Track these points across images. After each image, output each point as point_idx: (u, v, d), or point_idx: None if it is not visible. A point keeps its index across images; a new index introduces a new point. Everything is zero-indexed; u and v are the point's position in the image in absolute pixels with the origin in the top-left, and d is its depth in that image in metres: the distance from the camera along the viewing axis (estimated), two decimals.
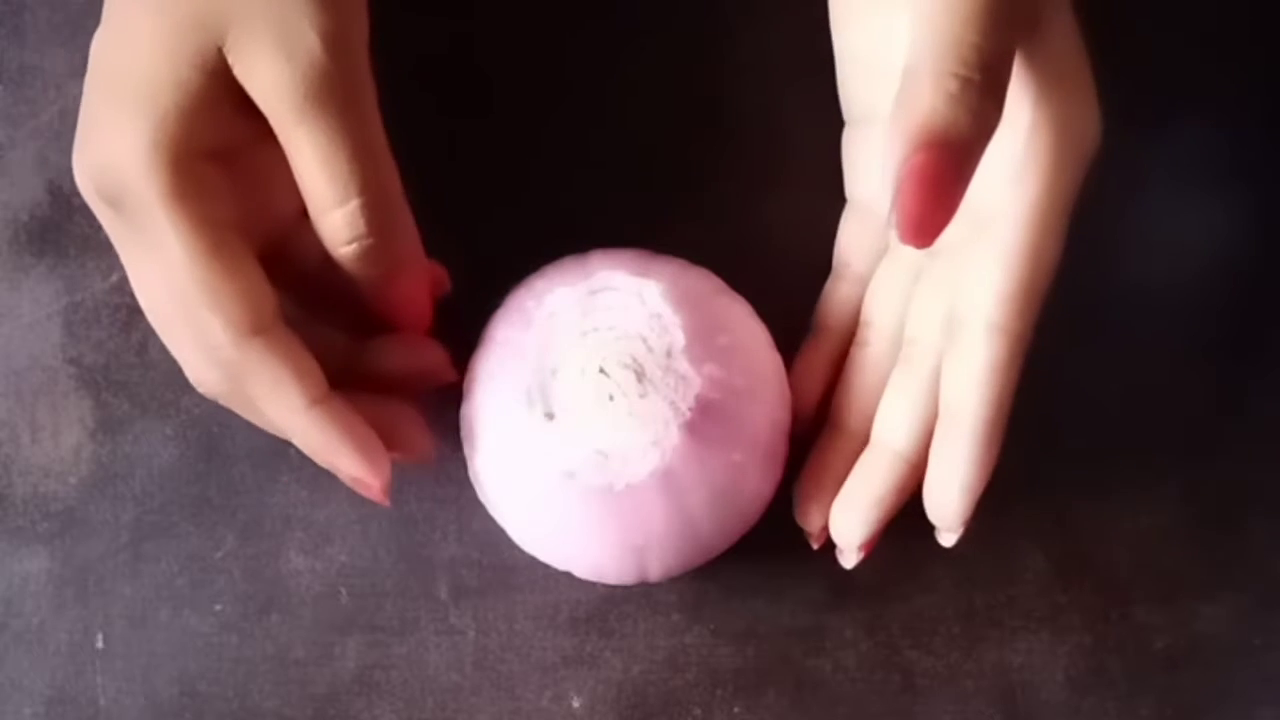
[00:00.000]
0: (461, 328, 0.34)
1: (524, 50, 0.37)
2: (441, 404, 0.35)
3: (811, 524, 0.34)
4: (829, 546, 0.35)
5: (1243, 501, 0.36)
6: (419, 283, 0.33)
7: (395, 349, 0.33)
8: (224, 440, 0.36)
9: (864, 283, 0.35)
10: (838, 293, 0.35)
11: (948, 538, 0.32)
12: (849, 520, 0.33)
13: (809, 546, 0.35)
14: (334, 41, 0.29)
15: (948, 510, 0.31)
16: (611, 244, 0.34)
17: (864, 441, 0.34)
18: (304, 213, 0.33)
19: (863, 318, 0.35)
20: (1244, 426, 0.36)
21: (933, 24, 0.27)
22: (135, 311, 0.36)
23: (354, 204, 0.30)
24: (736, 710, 0.36)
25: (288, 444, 0.36)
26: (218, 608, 0.36)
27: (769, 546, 0.35)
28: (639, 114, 0.37)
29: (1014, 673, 0.36)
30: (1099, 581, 0.36)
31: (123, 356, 0.36)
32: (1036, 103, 0.30)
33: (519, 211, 0.36)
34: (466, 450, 0.33)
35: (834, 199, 0.36)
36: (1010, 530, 0.36)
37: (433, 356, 0.34)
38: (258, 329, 0.30)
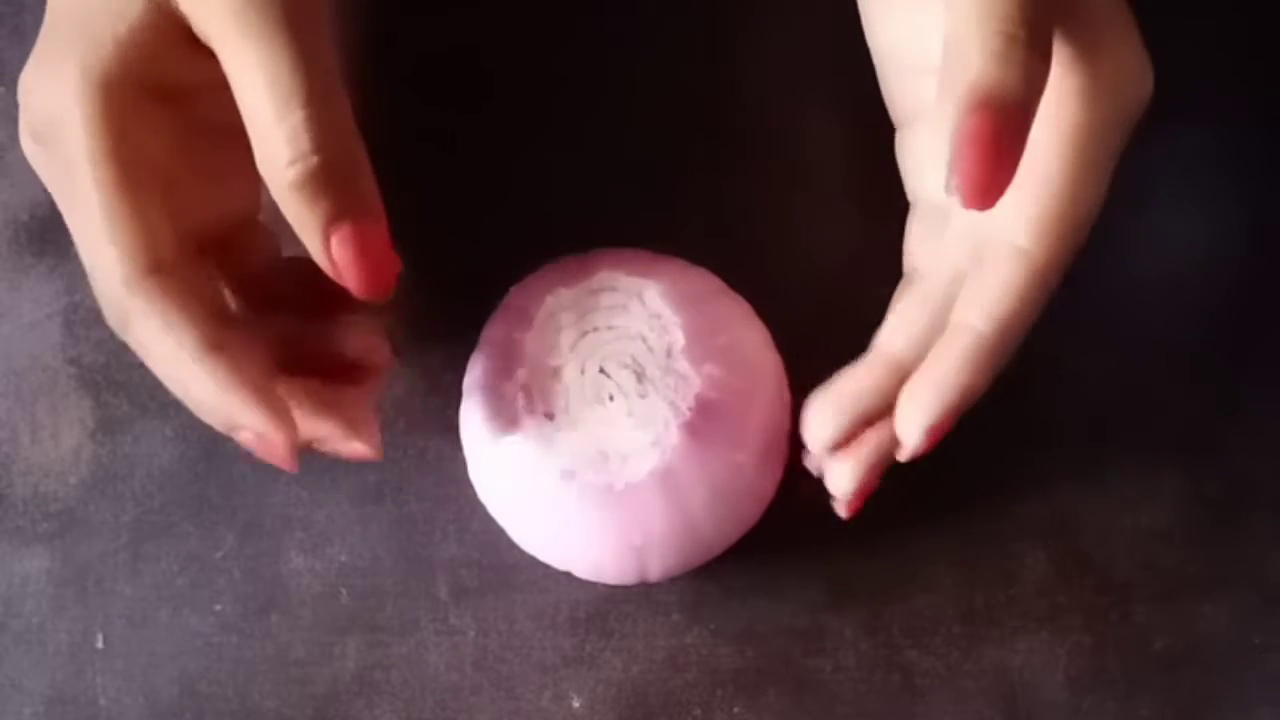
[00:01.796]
0: (461, 328, 0.34)
1: (524, 49, 0.37)
2: (442, 404, 0.35)
3: (819, 437, 0.32)
4: (828, 547, 0.35)
5: (1243, 501, 0.36)
6: (376, 234, 0.28)
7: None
8: (224, 440, 0.36)
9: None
10: (910, 304, 0.33)
11: (904, 449, 0.31)
12: (823, 423, 0.31)
13: (809, 546, 0.35)
14: None
15: (917, 413, 0.30)
16: (611, 244, 0.34)
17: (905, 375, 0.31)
18: (251, 216, 0.32)
19: (906, 265, 0.33)
20: (1244, 426, 0.36)
21: None
22: None
23: (297, 116, 0.27)
24: (736, 710, 0.36)
25: None
26: (218, 608, 0.36)
27: (769, 546, 0.35)
28: (639, 113, 0.37)
29: (1014, 673, 0.36)
30: (1099, 581, 0.36)
31: (123, 356, 0.36)
32: (1075, 47, 0.29)
33: (518, 211, 0.36)
34: (466, 450, 0.34)
35: (836, 199, 0.36)
36: (1010, 530, 0.36)
37: (368, 340, 0.31)
38: (154, 268, 0.28)
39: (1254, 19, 0.37)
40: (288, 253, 0.33)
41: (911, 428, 0.30)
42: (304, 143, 0.27)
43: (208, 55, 0.28)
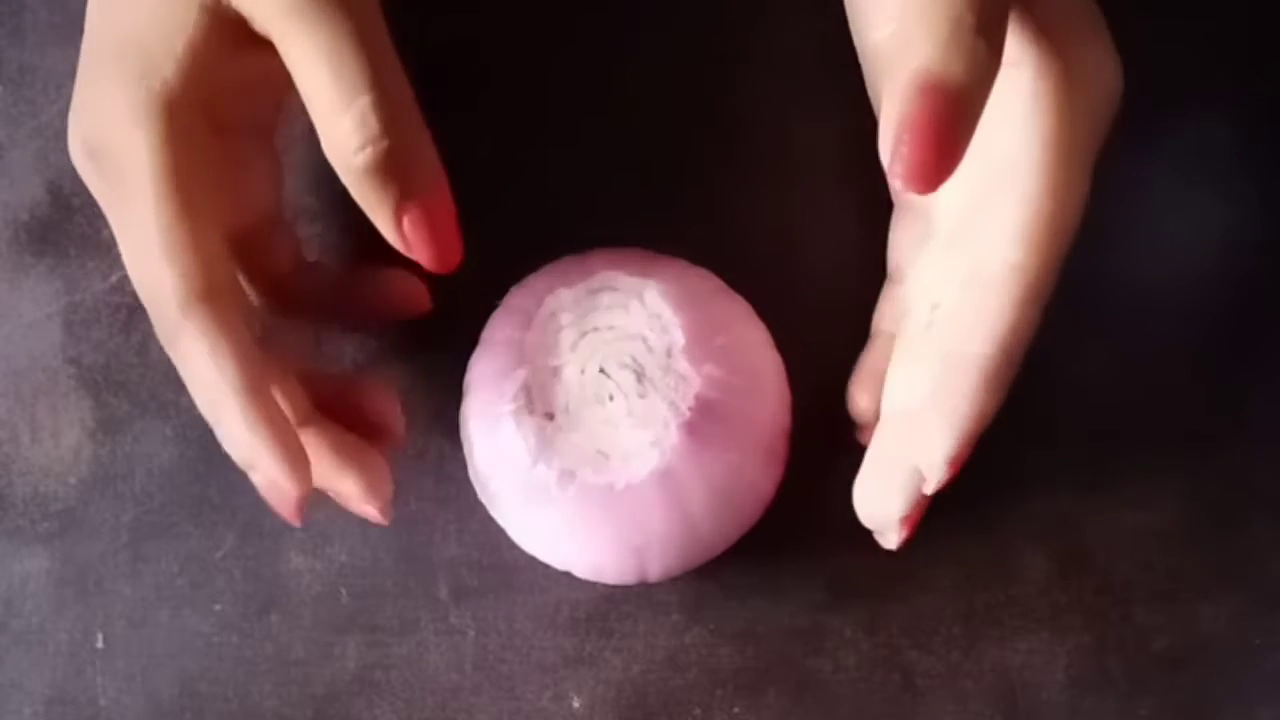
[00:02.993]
0: (461, 328, 0.34)
1: (524, 47, 0.37)
2: (442, 404, 0.35)
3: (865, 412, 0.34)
4: (829, 547, 0.35)
5: (1243, 502, 0.36)
6: (444, 209, 0.29)
7: (372, 280, 0.32)
8: None
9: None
10: (895, 296, 0.35)
11: (931, 483, 0.31)
12: (879, 496, 0.32)
13: (809, 546, 0.35)
14: None
15: (938, 448, 0.30)
16: (611, 244, 0.34)
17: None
18: (274, 217, 0.33)
19: (901, 309, 0.34)
20: (1244, 426, 0.36)
21: None
22: (135, 311, 0.36)
23: (364, 100, 0.27)
24: (736, 710, 0.36)
25: None
26: (218, 608, 0.36)
27: (769, 546, 0.35)
28: (640, 113, 0.37)
29: (1014, 673, 0.36)
30: (1099, 581, 0.36)
31: (123, 356, 0.36)
32: (1043, 45, 0.29)
33: (518, 211, 0.36)
34: (466, 450, 0.34)
35: (835, 198, 0.36)
36: (1010, 530, 0.36)
37: (409, 285, 0.32)
38: (208, 294, 0.28)
39: (1254, 19, 0.37)
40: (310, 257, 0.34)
41: (935, 462, 0.30)
42: (372, 127, 0.27)
43: (259, 52, 0.28)
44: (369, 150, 0.27)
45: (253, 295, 0.33)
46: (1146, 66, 0.35)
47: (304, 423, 0.31)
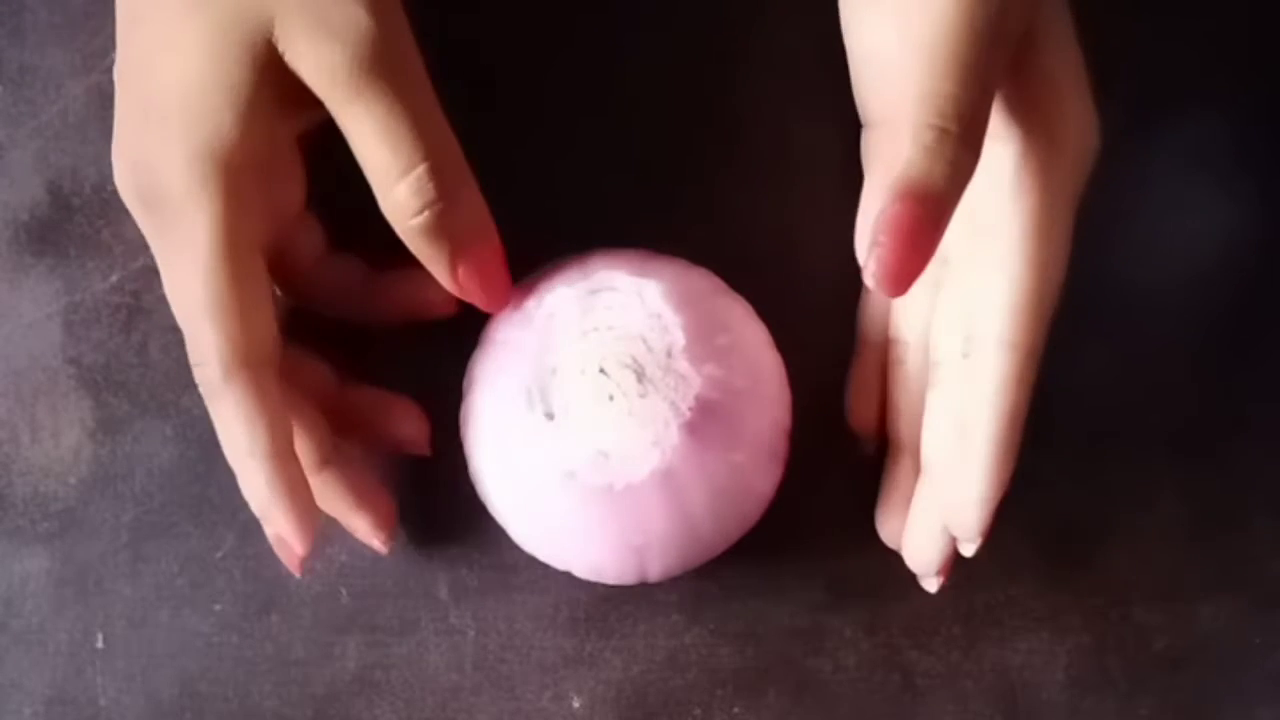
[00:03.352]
0: (462, 328, 0.34)
1: (524, 48, 0.37)
2: (442, 404, 0.35)
3: (896, 542, 0.35)
4: (828, 547, 0.35)
5: (1243, 501, 0.36)
6: (494, 256, 0.32)
7: (402, 282, 0.33)
8: None
9: None
10: (873, 306, 0.36)
11: (968, 548, 0.33)
12: (921, 548, 0.34)
13: (809, 546, 0.35)
14: (379, 13, 0.29)
15: (966, 523, 0.32)
16: (611, 244, 0.34)
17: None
18: (302, 212, 0.33)
19: (892, 334, 0.35)
20: (1244, 426, 0.36)
21: (909, 74, 0.27)
22: (135, 311, 0.36)
23: (420, 169, 0.29)
24: (736, 710, 0.36)
25: None
26: (218, 608, 0.36)
27: (769, 546, 0.35)
28: (640, 113, 0.37)
29: (1014, 673, 0.36)
30: (1099, 581, 0.36)
31: (123, 356, 0.36)
32: (1028, 116, 0.30)
33: (518, 211, 0.36)
34: (466, 450, 0.34)
35: (835, 198, 0.36)
36: (1010, 530, 0.36)
37: (434, 294, 0.33)
38: (250, 361, 0.30)
39: (1254, 19, 0.37)
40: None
41: (970, 536, 0.32)
42: (429, 192, 0.29)
43: (314, 109, 0.29)
44: (427, 213, 0.29)
45: (277, 288, 0.34)
46: (1146, 66, 0.35)
47: (323, 464, 0.33)
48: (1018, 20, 0.29)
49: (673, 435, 0.31)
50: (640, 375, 0.31)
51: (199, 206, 0.29)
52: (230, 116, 0.29)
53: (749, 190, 0.37)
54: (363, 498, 0.34)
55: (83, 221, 0.37)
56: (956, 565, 0.35)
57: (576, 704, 0.36)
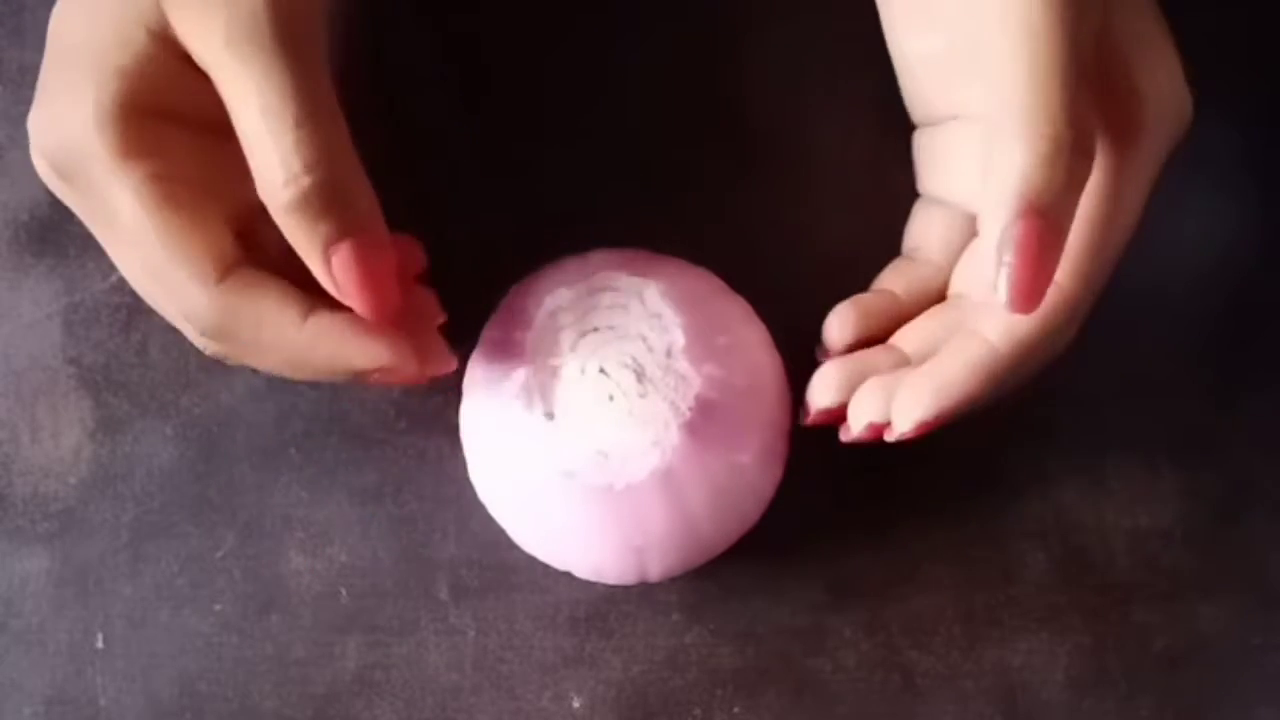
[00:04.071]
0: (461, 328, 0.34)
1: (524, 47, 0.37)
2: (442, 404, 0.35)
3: (816, 395, 0.33)
4: (829, 547, 0.35)
5: (1242, 501, 0.36)
6: (377, 253, 0.29)
7: (334, 331, 0.29)
8: (224, 440, 0.36)
9: (936, 267, 0.34)
10: (904, 267, 0.35)
11: (895, 430, 0.31)
12: (865, 403, 0.32)
13: (809, 546, 0.35)
14: None
15: (914, 403, 0.31)
16: (611, 244, 0.34)
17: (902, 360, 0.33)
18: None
19: (952, 290, 0.34)
20: (1244, 426, 0.36)
21: (1015, 82, 0.27)
22: (135, 311, 0.36)
23: (290, 138, 0.27)
24: (736, 710, 0.36)
25: (288, 444, 0.36)
26: (218, 608, 0.36)
27: (769, 546, 0.35)
28: (640, 113, 0.37)
29: (1014, 673, 0.36)
30: (1099, 581, 0.36)
31: (123, 356, 0.36)
32: (1117, 97, 0.29)
33: (519, 211, 0.36)
34: (466, 450, 0.34)
35: (835, 199, 0.36)
36: (1010, 530, 0.36)
37: (385, 348, 0.29)
38: (224, 271, 0.29)
39: (1254, 19, 0.37)
40: None
41: (905, 419, 0.31)
42: (296, 164, 0.27)
43: (207, 77, 0.29)
44: (293, 187, 0.27)
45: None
46: None
47: (312, 310, 0.30)
48: (1097, 13, 0.28)
49: (673, 435, 0.31)
50: (640, 375, 0.31)
51: (101, 159, 0.28)
52: (118, 70, 0.28)
53: (749, 190, 0.37)
54: (357, 325, 0.29)
55: (82, 221, 0.37)
56: (956, 565, 0.35)
57: (576, 704, 0.36)
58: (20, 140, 0.37)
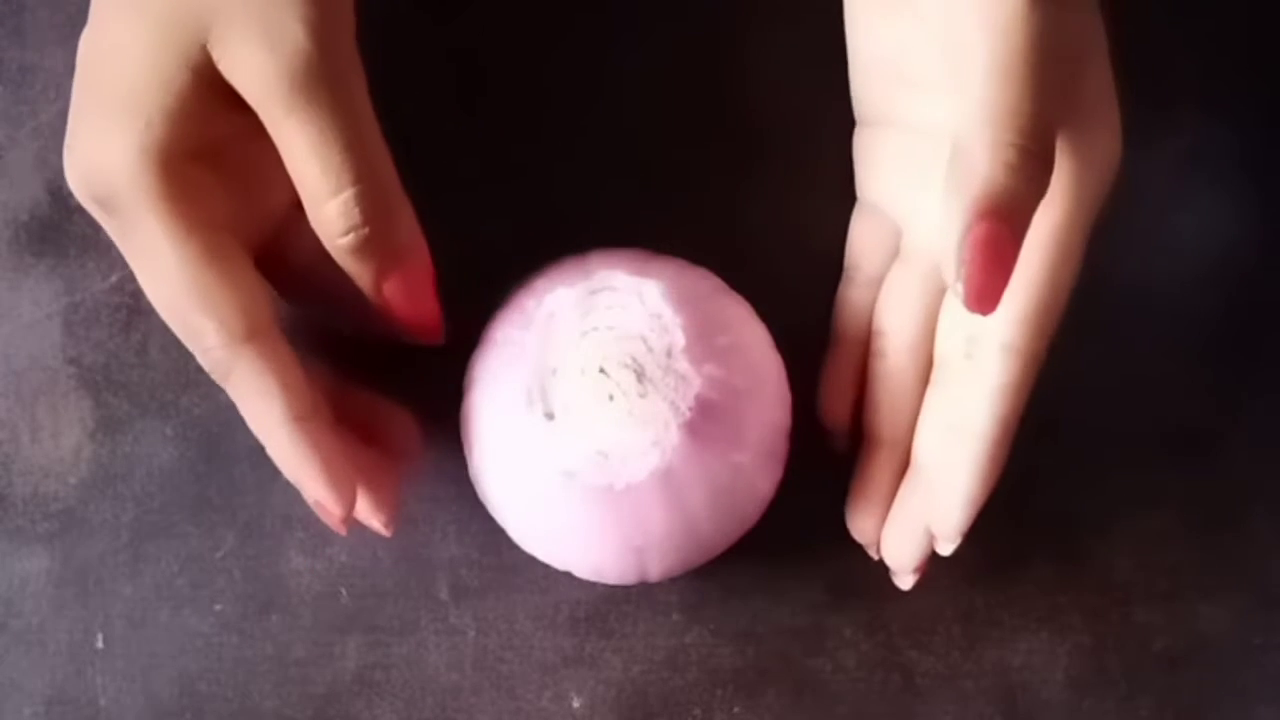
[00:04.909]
0: (461, 328, 0.34)
1: (523, 47, 0.37)
2: (442, 404, 0.35)
3: (867, 538, 0.35)
4: (829, 547, 0.35)
5: (1243, 501, 0.36)
6: (422, 277, 0.32)
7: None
8: (224, 440, 0.36)
9: (876, 285, 0.35)
10: (851, 299, 0.35)
11: (946, 547, 0.33)
12: (901, 546, 0.34)
13: (809, 546, 0.35)
14: (319, 31, 0.29)
15: (949, 521, 0.32)
16: (611, 244, 0.34)
17: (903, 451, 0.34)
18: (297, 205, 0.33)
19: (875, 326, 0.35)
20: (1244, 426, 0.36)
21: (984, 92, 0.27)
22: (135, 311, 0.36)
23: (348, 193, 0.29)
24: (736, 710, 0.36)
25: None
26: (218, 608, 0.36)
27: (769, 546, 0.35)
28: (639, 113, 0.37)
29: (1014, 673, 0.36)
30: (1099, 581, 0.36)
31: (123, 356, 0.36)
32: (1065, 137, 0.30)
33: (518, 212, 0.36)
34: (466, 450, 0.33)
35: (834, 198, 0.36)
36: (1010, 530, 0.36)
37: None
38: (251, 334, 0.30)
39: (1254, 19, 0.37)
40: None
41: (949, 533, 0.32)
42: (355, 216, 0.30)
43: (241, 102, 0.29)
44: (352, 236, 0.30)
45: (274, 290, 0.33)
46: (1146, 66, 0.35)
47: (304, 417, 0.32)
48: (1076, 41, 0.29)
49: (673, 435, 0.31)
50: (640, 375, 0.31)
51: (145, 203, 0.29)
52: (162, 113, 0.28)
53: (749, 190, 0.37)
54: (323, 457, 0.31)
55: (83, 221, 0.37)
56: (957, 565, 0.35)
57: (576, 704, 0.36)
58: (20, 140, 0.37)
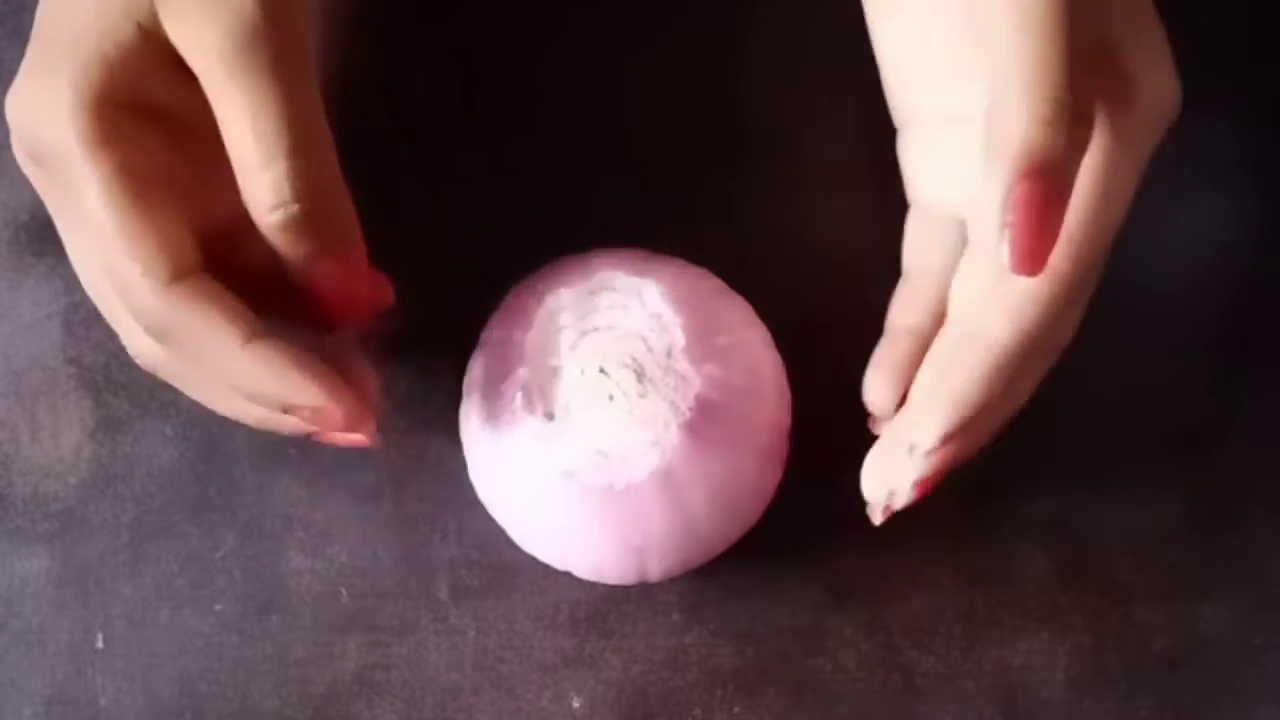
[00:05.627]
0: (462, 328, 0.34)
1: (523, 49, 0.37)
2: (442, 404, 0.35)
3: (877, 401, 0.33)
4: (829, 547, 0.35)
5: (1243, 501, 0.36)
6: (352, 270, 0.30)
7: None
8: (224, 440, 0.36)
9: (937, 281, 0.34)
10: (906, 294, 0.34)
11: (917, 450, 0.31)
12: (871, 477, 0.32)
13: (809, 546, 0.35)
14: (266, 2, 0.28)
15: (929, 425, 0.30)
16: (611, 244, 0.34)
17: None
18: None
19: (951, 312, 0.33)
20: (1244, 426, 0.36)
21: (1016, 48, 0.27)
22: None
23: (280, 166, 0.28)
24: (736, 710, 0.36)
25: (288, 444, 0.36)
26: (218, 608, 0.36)
27: (769, 546, 0.35)
28: (639, 113, 0.37)
29: (1014, 673, 0.36)
30: (1099, 581, 0.36)
31: (123, 356, 0.36)
32: (1098, 77, 0.29)
33: (518, 212, 0.36)
34: (466, 450, 0.34)
35: (835, 198, 0.36)
36: (1010, 530, 0.36)
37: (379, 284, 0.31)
38: (178, 274, 0.28)
39: (1254, 19, 0.37)
40: None
41: (927, 439, 0.30)
42: (286, 192, 0.28)
43: (193, 78, 0.29)
44: (281, 212, 0.28)
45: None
46: None
47: (258, 335, 0.29)
48: None
49: (673, 435, 0.31)
50: (640, 375, 0.31)
51: (73, 146, 0.28)
52: (97, 56, 0.28)
53: (749, 190, 0.37)
54: (298, 361, 0.29)
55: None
56: (956, 565, 0.35)
57: (576, 704, 0.36)
58: None
